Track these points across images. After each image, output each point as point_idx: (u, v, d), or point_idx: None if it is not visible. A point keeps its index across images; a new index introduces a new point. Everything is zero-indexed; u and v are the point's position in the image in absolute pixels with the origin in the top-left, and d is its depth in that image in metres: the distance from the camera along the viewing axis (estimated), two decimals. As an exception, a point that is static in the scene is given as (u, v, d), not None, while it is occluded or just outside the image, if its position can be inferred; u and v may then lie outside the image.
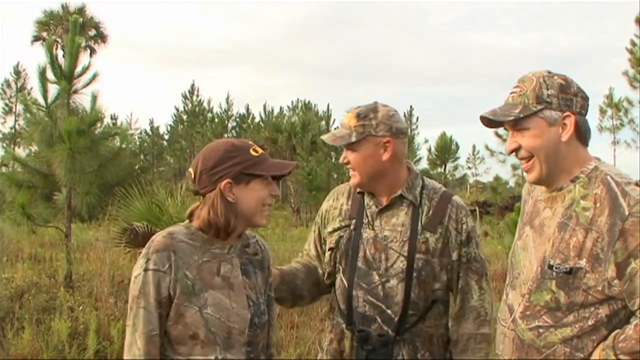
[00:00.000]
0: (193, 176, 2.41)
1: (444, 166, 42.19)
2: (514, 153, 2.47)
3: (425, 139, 74.93)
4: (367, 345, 2.80)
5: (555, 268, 2.29)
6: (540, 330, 2.33)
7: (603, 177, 2.28)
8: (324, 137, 3.03)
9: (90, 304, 8.27)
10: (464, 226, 2.88)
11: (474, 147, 56.00)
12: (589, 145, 2.44)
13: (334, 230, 3.05)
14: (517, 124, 2.42)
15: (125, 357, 2.32)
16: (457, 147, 44.23)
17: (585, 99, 2.39)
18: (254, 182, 2.41)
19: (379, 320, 2.83)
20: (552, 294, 2.30)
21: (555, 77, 2.39)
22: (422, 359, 2.84)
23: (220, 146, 2.45)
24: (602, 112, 36.28)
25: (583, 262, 2.23)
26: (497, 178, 41.89)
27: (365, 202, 2.98)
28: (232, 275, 2.42)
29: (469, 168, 55.77)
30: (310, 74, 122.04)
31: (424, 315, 2.84)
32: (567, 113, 2.34)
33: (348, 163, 2.91)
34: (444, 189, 3.01)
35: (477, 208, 28.92)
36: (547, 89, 2.36)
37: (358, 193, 3.02)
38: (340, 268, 2.99)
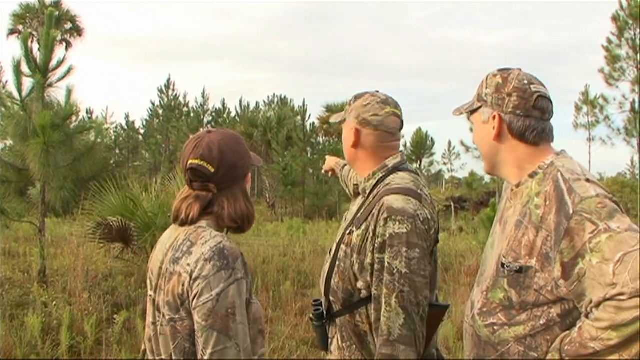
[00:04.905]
0: (214, 171, 2.31)
1: (419, 162, 42.18)
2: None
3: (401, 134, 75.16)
4: (311, 314, 2.98)
5: (507, 266, 2.29)
6: (495, 328, 2.33)
7: (554, 173, 2.26)
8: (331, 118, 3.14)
9: (64, 299, 8.23)
10: (381, 230, 2.63)
11: (449, 142, 56.32)
12: (542, 143, 2.40)
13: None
14: (469, 119, 2.54)
15: None
16: (433, 142, 44.23)
17: (525, 98, 2.35)
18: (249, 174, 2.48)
19: (323, 297, 2.98)
20: (505, 292, 2.30)
21: (497, 76, 2.40)
22: (349, 350, 2.81)
23: (237, 138, 2.44)
24: (578, 109, 36.55)
25: (533, 262, 2.21)
26: (472, 174, 42.13)
27: None
28: None
29: (445, 164, 56.08)
30: (287, 69, 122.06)
31: (348, 307, 2.80)
32: (494, 113, 2.38)
33: None
34: (394, 186, 2.76)
35: (452, 204, 29.12)
36: (486, 88, 2.42)
37: None
38: None
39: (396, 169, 2.88)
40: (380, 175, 2.86)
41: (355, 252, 2.74)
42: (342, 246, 2.81)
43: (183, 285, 2.19)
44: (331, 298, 2.86)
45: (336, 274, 2.82)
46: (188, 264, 2.20)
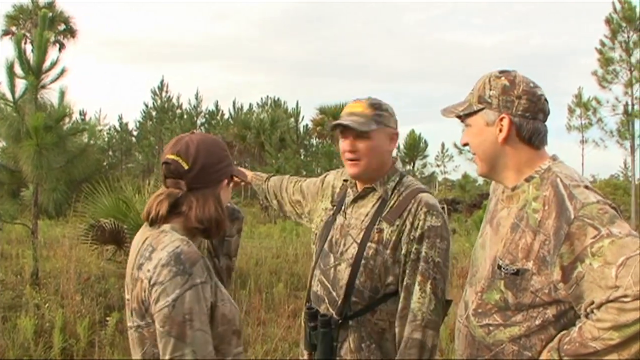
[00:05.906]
0: (187, 168, 2.30)
1: (412, 164, 42.29)
2: (467, 147, 2.54)
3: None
4: (311, 323, 2.95)
5: (504, 268, 2.30)
6: (490, 328, 2.35)
7: (553, 179, 2.27)
8: (346, 121, 2.92)
9: (56, 301, 8.21)
10: (421, 222, 2.81)
11: (442, 145, 56.39)
12: (543, 146, 2.42)
13: (322, 211, 3.24)
14: (464, 120, 2.51)
15: None
16: (426, 144, 44.41)
17: (534, 101, 2.36)
18: (229, 185, 2.50)
19: (327, 301, 2.95)
20: (501, 293, 2.32)
21: (502, 78, 2.38)
22: (367, 350, 2.86)
23: (218, 143, 2.45)
24: (571, 111, 36.78)
25: (530, 264, 2.23)
26: (465, 176, 42.28)
27: (347, 191, 3.10)
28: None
29: (438, 166, 56.15)
30: (282, 70, 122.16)
31: (372, 306, 2.86)
32: (503, 115, 2.35)
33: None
34: (418, 186, 2.98)
35: (445, 206, 29.18)
36: (490, 90, 2.39)
37: (345, 181, 3.17)
38: (315, 248, 3.18)
39: (402, 172, 3.06)
40: (397, 179, 3.00)
41: (388, 248, 2.85)
42: (371, 244, 2.87)
43: (144, 291, 2.18)
44: (354, 299, 2.88)
45: (362, 274, 2.87)
46: (148, 270, 2.18)
